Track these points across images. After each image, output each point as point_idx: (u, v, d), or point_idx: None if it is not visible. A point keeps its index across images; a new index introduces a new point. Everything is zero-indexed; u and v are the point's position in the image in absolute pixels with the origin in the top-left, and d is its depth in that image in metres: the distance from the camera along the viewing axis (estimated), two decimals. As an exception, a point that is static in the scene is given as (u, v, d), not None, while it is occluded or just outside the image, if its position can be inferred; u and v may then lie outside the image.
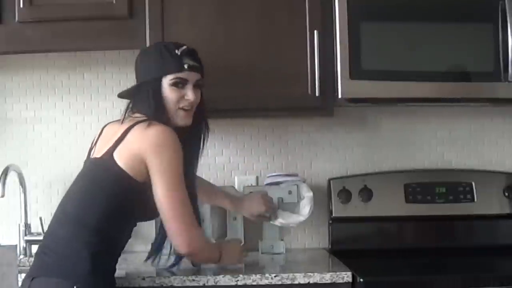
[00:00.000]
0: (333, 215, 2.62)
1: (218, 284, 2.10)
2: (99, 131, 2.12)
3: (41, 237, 2.18)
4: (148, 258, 2.19)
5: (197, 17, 2.38)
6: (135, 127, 1.97)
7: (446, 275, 2.20)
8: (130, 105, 2.09)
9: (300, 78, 2.37)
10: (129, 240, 2.08)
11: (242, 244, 2.33)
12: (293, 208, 2.50)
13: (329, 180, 2.66)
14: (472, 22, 2.37)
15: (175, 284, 2.09)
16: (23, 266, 2.32)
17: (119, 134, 1.97)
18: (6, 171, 2.39)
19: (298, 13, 2.38)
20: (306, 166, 2.71)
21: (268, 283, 2.11)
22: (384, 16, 2.36)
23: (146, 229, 2.41)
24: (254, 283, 2.10)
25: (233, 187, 2.66)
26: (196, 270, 2.17)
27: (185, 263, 2.19)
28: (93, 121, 2.64)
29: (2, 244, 2.34)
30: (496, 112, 2.75)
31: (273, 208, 2.46)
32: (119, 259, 2.04)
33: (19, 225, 2.52)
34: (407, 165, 2.73)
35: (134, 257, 2.45)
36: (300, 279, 2.11)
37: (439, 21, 2.37)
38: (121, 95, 2.16)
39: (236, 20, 2.38)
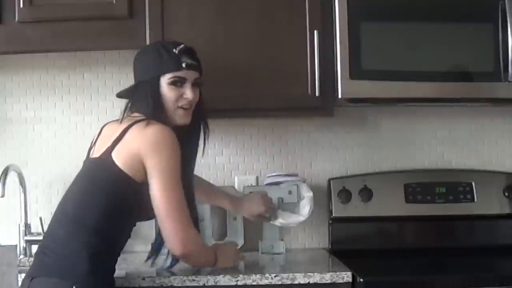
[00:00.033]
0: (333, 215, 2.62)
1: (218, 284, 2.10)
2: (98, 131, 2.12)
3: (41, 237, 2.19)
4: (148, 258, 2.19)
5: (197, 17, 2.38)
6: (134, 127, 1.96)
7: (446, 275, 2.20)
8: (129, 105, 2.08)
9: (300, 78, 2.37)
10: (129, 240, 2.08)
11: (238, 246, 2.32)
12: (293, 208, 2.50)
13: (329, 180, 2.66)
14: (472, 22, 2.37)
15: (175, 284, 2.09)
16: (23, 266, 2.32)
17: (117, 134, 1.97)
18: (6, 171, 2.39)
19: (298, 13, 2.38)
20: (306, 166, 2.71)
21: (268, 283, 2.11)
22: (384, 16, 2.36)
23: (146, 229, 2.41)
24: (254, 283, 2.10)
25: (233, 187, 2.66)
26: (196, 270, 2.16)
27: (184, 263, 2.18)
28: (93, 121, 2.64)
29: (2, 244, 2.34)
30: (496, 112, 2.75)
31: (272, 209, 2.46)
32: (119, 259, 2.04)
33: (19, 225, 2.52)
34: (407, 165, 2.73)
35: (134, 257, 2.45)
36: (300, 279, 2.11)
37: (439, 21, 2.37)
38: (119, 95, 2.16)
39: (236, 20, 2.38)
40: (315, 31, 2.35)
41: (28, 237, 2.50)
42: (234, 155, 2.71)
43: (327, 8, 2.36)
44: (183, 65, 2.04)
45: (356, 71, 2.32)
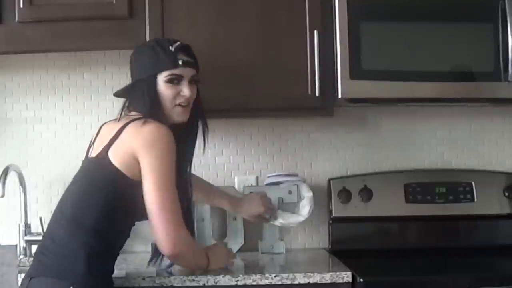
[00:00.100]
0: (333, 215, 2.62)
1: (218, 284, 2.09)
2: (97, 130, 2.11)
3: (41, 237, 2.19)
4: (151, 260, 2.18)
5: (197, 17, 2.38)
6: (130, 125, 1.96)
7: (446, 275, 2.20)
8: (126, 104, 2.08)
9: (300, 78, 2.37)
10: (129, 240, 2.08)
11: (228, 247, 2.31)
12: (293, 208, 2.50)
13: (329, 180, 2.66)
14: (472, 22, 2.37)
15: (175, 284, 2.09)
16: (23, 266, 2.32)
17: (114, 133, 1.97)
18: (6, 171, 2.39)
19: (298, 13, 2.38)
20: (306, 166, 2.71)
21: (268, 283, 2.11)
22: (384, 16, 2.36)
23: (146, 229, 2.39)
24: (254, 283, 2.10)
25: (233, 187, 2.66)
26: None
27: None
28: (93, 121, 2.64)
29: (2, 244, 2.34)
30: (496, 112, 2.75)
31: (272, 209, 2.46)
32: (119, 259, 2.04)
33: (19, 225, 2.52)
34: (407, 165, 2.73)
35: (134, 257, 2.45)
36: (300, 279, 2.11)
37: (439, 21, 2.37)
38: (117, 94, 2.15)
39: (236, 20, 2.38)
40: (315, 31, 2.35)
41: (28, 237, 2.50)
42: (234, 155, 2.71)
43: (327, 8, 2.36)
44: (180, 62, 2.03)
45: (356, 71, 2.32)
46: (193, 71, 2.08)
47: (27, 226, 2.52)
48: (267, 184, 2.56)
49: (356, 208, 2.62)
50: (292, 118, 2.67)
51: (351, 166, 2.72)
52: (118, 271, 2.11)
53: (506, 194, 2.64)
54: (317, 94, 2.35)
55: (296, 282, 2.11)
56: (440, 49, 2.35)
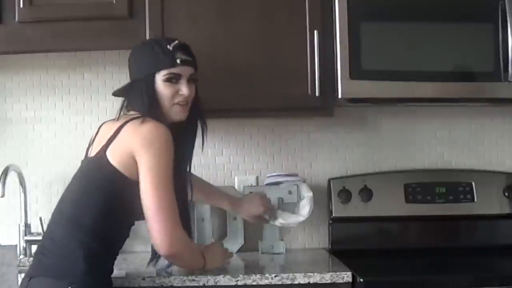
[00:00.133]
0: (333, 215, 2.62)
1: (218, 284, 2.10)
2: (96, 130, 2.11)
3: (41, 237, 2.19)
4: (151, 261, 2.18)
5: (197, 17, 2.38)
6: (128, 124, 1.95)
7: (446, 275, 2.20)
8: (125, 103, 2.07)
9: (300, 78, 2.37)
10: (129, 240, 2.08)
11: (224, 247, 2.30)
12: (293, 208, 2.50)
13: (329, 180, 2.66)
14: (472, 22, 2.37)
15: (175, 284, 2.09)
16: (23, 266, 2.32)
17: (112, 132, 1.96)
18: (6, 171, 2.39)
19: (298, 13, 2.38)
20: (306, 166, 2.71)
21: (268, 283, 2.11)
22: (384, 16, 2.36)
23: (145, 229, 2.39)
24: (254, 283, 2.10)
25: (233, 187, 2.66)
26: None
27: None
28: (93, 121, 2.64)
29: (2, 244, 2.34)
30: (496, 112, 2.75)
31: (271, 209, 2.46)
32: (119, 259, 2.04)
33: (19, 225, 2.52)
34: (407, 165, 2.73)
35: (134, 257, 2.45)
36: (300, 279, 2.11)
37: (439, 21, 2.37)
38: (115, 93, 2.14)
39: (236, 20, 2.38)
40: (315, 31, 2.34)
41: (28, 237, 2.50)
42: (234, 155, 2.71)
43: (327, 8, 2.36)
44: (178, 61, 2.02)
45: (356, 71, 2.32)
46: (192, 70, 2.07)
47: (27, 226, 2.52)
48: (267, 184, 2.56)
49: (356, 208, 2.62)
50: (292, 118, 2.67)
51: (351, 166, 2.72)
52: (118, 271, 2.11)
53: (506, 194, 2.64)
54: (317, 94, 2.35)
55: (296, 282, 2.11)
56: (440, 49, 2.35)
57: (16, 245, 2.24)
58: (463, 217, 2.63)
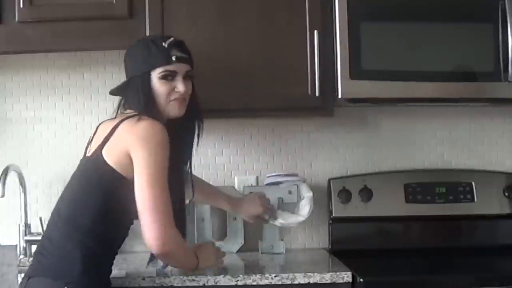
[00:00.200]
0: (333, 215, 2.62)
1: (218, 284, 2.10)
2: (94, 129, 2.10)
3: (40, 237, 2.18)
4: (150, 260, 2.17)
5: (197, 17, 2.38)
6: (124, 122, 1.95)
7: (446, 275, 2.20)
8: (122, 102, 2.07)
9: (300, 78, 2.37)
10: (129, 240, 2.08)
11: (216, 246, 2.29)
12: (293, 208, 2.50)
13: (329, 180, 2.66)
14: (472, 22, 2.37)
15: (175, 284, 2.09)
16: (23, 266, 2.32)
17: (108, 131, 1.96)
18: (6, 171, 2.39)
19: (298, 13, 2.38)
20: (306, 166, 2.71)
21: (268, 283, 2.11)
22: (384, 16, 2.36)
23: (146, 229, 2.41)
24: (254, 283, 2.10)
25: (233, 187, 2.66)
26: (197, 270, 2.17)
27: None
28: (93, 121, 2.63)
29: (2, 244, 2.34)
30: (496, 112, 2.75)
31: (271, 210, 2.46)
32: (119, 259, 2.03)
33: (19, 225, 2.52)
34: (407, 165, 2.73)
35: (134, 257, 2.45)
36: (300, 279, 2.11)
37: (439, 21, 2.37)
38: (112, 92, 2.13)
39: (236, 20, 2.38)
40: (315, 31, 2.34)
41: (28, 237, 2.50)
42: (234, 155, 2.71)
43: (327, 8, 2.36)
44: (173, 58, 2.01)
45: (356, 71, 2.32)
46: (187, 67, 2.05)
47: (27, 226, 2.52)
48: (267, 184, 2.56)
49: (356, 208, 2.62)
50: (292, 118, 2.67)
51: (351, 166, 2.72)
52: (118, 271, 2.12)
53: (506, 194, 2.64)
54: (317, 94, 2.35)
55: (296, 282, 2.11)
56: (440, 49, 2.35)
57: (16, 245, 2.24)
58: (463, 217, 2.63)
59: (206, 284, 2.09)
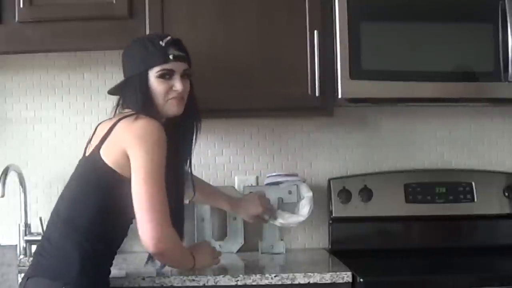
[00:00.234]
0: (333, 215, 2.62)
1: (218, 284, 2.10)
2: (94, 129, 2.10)
3: (40, 237, 2.18)
4: (148, 259, 2.17)
5: (197, 17, 2.38)
6: (121, 121, 1.94)
7: (446, 275, 2.20)
8: (120, 102, 2.06)
9: (300, 78, 2.37)
10: (129, 240, 2.08)
11: (212, 245, 2.28)
12: (292, 208, 2.50)
13: (329, 180, 2.66)
14: (472, 22, 2.37)
15: (175, 284, 2.09)
16: (23, 266, 2.32)
17: (106, 130, 1.96)
18: (6, 171, 2.39)
19: (298, 13, 2.38)
20: (306, 166, 2.71)
21: (268, 283, 2.11)
22: (384, 16, 2.36)
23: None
24: (254, 283, 2.10)
25: (233, 187, 2.66)
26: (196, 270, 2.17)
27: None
28: (93, 121, 2.61)
29: (2, 244, 2.33)
30: (496, 112, 2.75)
31: (270, 210, 2.46)
32: (119, 259, 2.03)
33: (19, 225, 2.52)
34: (407, 165, 2.73)
35: (134, 257, 2.45)
36: (300, 279, 2.11)
37: (439, 21, 2.37)
38: (110, 92, 2.13)
39: (236, 20, 2.38)
40: (315, 31, 2.34)
41: (28, 237, 2.50)
42: (234, 155, 2.71)
43: (327, 8, 2.36)
44: (170, 57, 2.00)
45: (356, 71, 2.32)
46: (185, 65, 2.04)
47: (27, 226, 2.52)
48: (267, 184, 2.56)
49: (356, 208, 2.62)
50: (292, 118, 2.67)
51: (351, 166, 2.72)
52: (118, 271, 2.11)
53: (506, 194, 2.64)
54: (317, 94, 2.35)
55: (296, 282, 2.11)
56: (440, 49, 2.35)
57: (16, 245, 2.24)
58: (463, 217, 2.63)
59: (206, 284, 2.09)
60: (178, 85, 2.01)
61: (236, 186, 2.67)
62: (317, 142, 2.72)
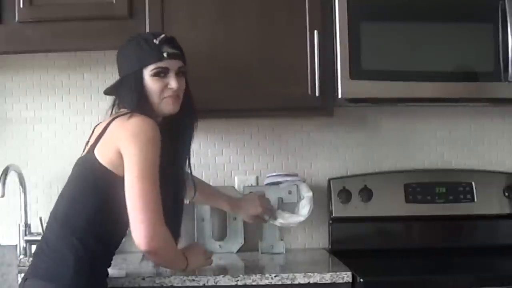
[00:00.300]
0: (333, 215, 2.62)
1: (218, 284, 2.10)
2: (92, 130, 2.09)
3: (40, 237, 2.18)
4: (143, 257, 2.16)
5: (197, 17, 2.38)
6: (116, 120, 1.93)
7: (446, 275, 2.20)
8: (117, 101, 2.05)
9: (300, 78, 2.37)
10: (129, 241, 2.06)
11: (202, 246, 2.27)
12: (292, 208, 2.50)
13: (329, 180, 2.66)
14: (472, 22, 2.37)
15: (175, 284, 2.09)
16: (23, 266, 2.32)
17: (101, 130, 1.95)
18: (6, 171, 2.39)
19: (298, 13, 2.38)
20: (306, 166, 2.71)
21: (268, 283, 2.11)
22: (384, 16, 2.36)
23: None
24: (254, 283, 2.10)
25: (233, 187, 2.66)
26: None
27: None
28: (93, 121, 2.61)
29: (2, 244, 2.33)
30: (496, 112, 2.75)
31: (270, 210, 2.46)
32: (119, 259, 2.03)
33: (19, 225, 2.52)
34: (407, 165, 2.73)
35: (134, 257, 2.45)
36: (300, 279, 2.11)
37: (439, 21, 2.37)
38: (106, 92, 2.12)
39: (236, 20, 2.38)
40: (315, 31, 2.34)
41: (28, 237, 2.50)
42: (234, 155, 2.71)
43: (327, 8, 2.36)
44: (165, 54, 1.98)
45: (356, 71, 2.32)
46: (180, 63, 2.03)
47: (27, 226, 2.52)
48: (267, 184, 2.56)
49: (356, 208, 2.62)
50: (292, 118, 2.67)
51: (351, 166, 2.72)
52: (118, 271, 2.11)
53: (506, 194, 2.64)
54: (317, 94, 2.35)
55: (296, 282, 2.11)
56: (440, 49, 2.35)
57: (16, 245, 2.23)
58: (463, 217, 2.63)
59: (206, 284, 2.09)
60: (173, 83, 2.00)
61: (236, 186, 2.67)
62: (317, 142, 2.72)
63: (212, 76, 2.32)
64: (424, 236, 2.63)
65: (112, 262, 2.03)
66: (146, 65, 1.99)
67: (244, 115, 2.53)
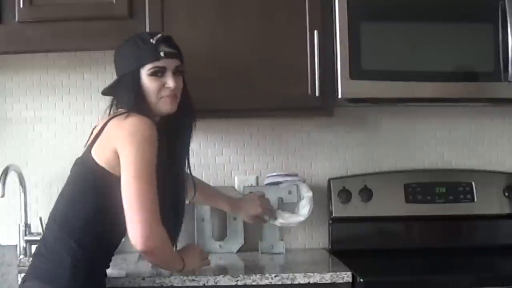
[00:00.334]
0: (333, 215, 2.62)
1: (218, 284, 2.10)
2: (91, 131, 2.09)
3: (40, 237, 2.19)
4: (140, 257, 2.16)
5: (197, 17, 2.38)
6: (113, 120, 1.93)
7: (446, 275, 2.20)
8: (115, 102, 2.04)
9: (300, 78, 2.37)
10: (129, 241, 2.07)
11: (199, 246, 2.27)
12: (292, 208, 2.50)
13: (329, 180, 2.66)
14: (472, 22, 2.37)
15: (175, 284, 2.09)
16: (23, 266, 2.32)
17: (98, 130, 1.95)
18: (6, 171, 2.39)
19: (298, 13, 2.38)
20: (306, 166, 2.71)
21: (268, 283, 2.11)
22: (384, 16, 2.36)
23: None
24: (254, 283, 2.10)
25: (233, 187, 2.66)
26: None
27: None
28: (93, 121, 2.62)
29: (2, 244, 2.33)
30: (496, 112, 2.75)
31: (270, 210, 2.46)
32: (119, 259, 2.03)
33: (19, 225, 2.52)
34: (407, 165, 2.73)
35: (134, 257, 2.45)
36: (300, 279, 2.11)
37: (439, 21, 2.37)
38: (104, 92, 2.11)
39: (236, 20, 2.38)
40: (315, 31, 2.34)
41: (28, 237, 2.50)
42: (234, 155, 2.71)
43: (327, 8, 2.36)
44: (161, 54, 1.98)
45: (356, 71, 2.32)
46: (177, 62, 2.02)
47: (27, 226, 2.52)
48: (267, 184, 2.56)
49: (356, 208, 2.62)
50: (292, 118, 2.67)
51: (351, 166, 2.72)
52: (118, 271, 2.12)
53: (506, 194, 2.64)
54: (317, 94, 2.35)
55: (296, 282, 2.11)
56: (440, 49, 2.35)
57: (16, 245, 2.23)
58: (463, 217, 2.63)
59: (206, 284, 2.09)
60: (170, 82, 1.99)
61: (236, 186, 2.67)
62: (317, 142, 2.72)
63: (212, 76, 2.32)
64: (424, 236, 2.63)
65: (112, 262, 2.04)
66: (143, 64, 1.98)
67: (244, 115, 2.53)
